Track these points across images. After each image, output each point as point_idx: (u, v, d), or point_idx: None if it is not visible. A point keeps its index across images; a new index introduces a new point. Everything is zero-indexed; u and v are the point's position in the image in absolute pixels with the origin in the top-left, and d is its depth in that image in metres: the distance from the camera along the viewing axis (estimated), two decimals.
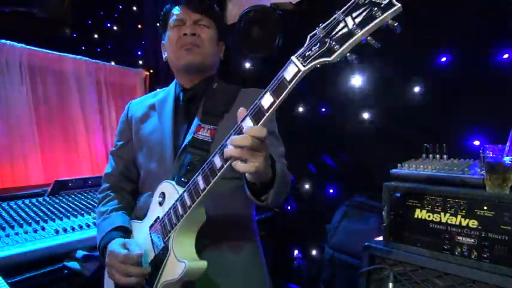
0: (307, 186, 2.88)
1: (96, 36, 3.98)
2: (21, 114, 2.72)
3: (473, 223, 1.28)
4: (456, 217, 1.32)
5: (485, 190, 1.30)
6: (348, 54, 0.78)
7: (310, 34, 0.83)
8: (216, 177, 0.99)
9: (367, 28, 0.74)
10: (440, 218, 1.36)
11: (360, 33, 0.75)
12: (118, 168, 1.47)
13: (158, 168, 1.33)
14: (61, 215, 1.99)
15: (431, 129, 2.11)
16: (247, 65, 3.19)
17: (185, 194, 1.09)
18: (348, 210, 2.31)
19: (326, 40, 0.79)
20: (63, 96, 3.03)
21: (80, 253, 1.71)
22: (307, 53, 0.83)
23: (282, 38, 2.69)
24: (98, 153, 3.25)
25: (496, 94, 1.90)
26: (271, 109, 0.88)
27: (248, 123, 0.92)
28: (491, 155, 1.31)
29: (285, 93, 0.85)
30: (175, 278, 1.10)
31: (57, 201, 2.27)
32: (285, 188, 1.12)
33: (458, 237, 1.31)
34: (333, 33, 0.79)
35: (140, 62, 3.87)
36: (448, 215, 1.34)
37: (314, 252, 2.85)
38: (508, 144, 1.34)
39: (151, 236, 1.24)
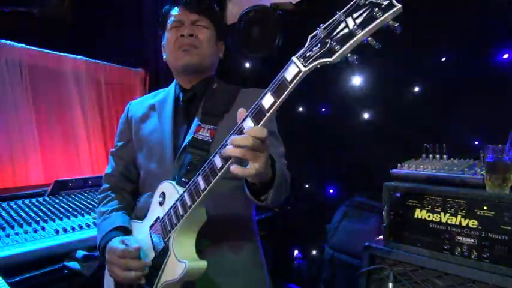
0: (307, 186, 2.89)
1: (96, 36, 3.97)
2: (21, 114, 2.71)
3: (473, 223, 1.28)
4: (456, 217, 1.32)
5: (485, 190, 1.30)
6: (349, 54, 0.78)
7: (311, 35, 0.83)
8: (217, 177, 0.99)
9: (367, 29, 0.74)
10: (440, 218, 1.36)
11: (360, 34, 0.75)
12: (118, 169, 1.47)
13: (158, 168, 1.33)
14: (61, 215, 1.99)
15: (431, 129, 2.11)
16: (247, 65, 3.19)
17: (185, 194, 1.09)
18: (348, 210, 2.31)
19: (327, 41, 0.80)
20: (63, 96, 3.03)
21: (80, 253, 1.71)
22: (307, 54, 0.83)
23: (282, 38, 2.69)
24: (98, 153, 3.24)
25: (496, 94, 1.91)
26: (272, 109, 0.88)
27: (249, 123, 0.92)
28: (491, 155, 1.31)
29: (285, 93, 0.85)
30: (175, 278, 1.10)
31: (57, 201, 2.27)
32: (285, 188, 1.12)
33: (458, 237, 1.31)
34: (334, 33, 0.79)
35: (140, 62, 3.86)
36: (448, 215, 1.34)
37: (314, 252, 2.85)
38: (508, 144, 1.34)
39: (151, 236, 1.24)
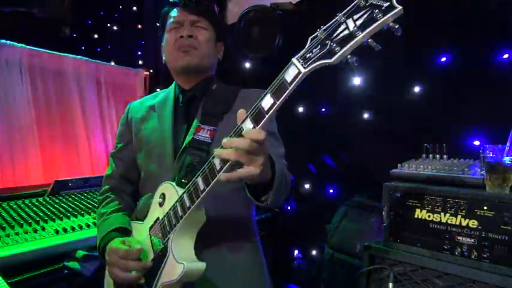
0: (307, 186, 2.89)
1: (96, 36, 3.98)
2: (21, 114, 2.71)
3: (473, 223, 1.28)
4: (456, 217, 1.32)
5: (485, 190, 1.30)
6: (349, 56, 0.78)
7: (311, 36, 0.83)
8: (216, 178, 0.99)
9: (367, 30, 0.74)
10: (440, 218, 1.36)
11: (360, 36, 0.75)
12: (118, 170, 1.47)
13: (158, 169, 1.33)
14: (61, 215, 1.99)
15: (431, 129, 2.11)
16: (247, 65, 3.19)
17: (185, 195, 1.09)
18: (348, 210, 2.31)
19: (327, 42, 0.79)
20: (63, 96, 3.03)
21: (80, 253, 1.71)
22: (307, 55, 0.83)
23: (282, 38, 2.69)
24: (98, 153, 3.25)
25: (496, 94, 1.91)
26: (272, 111, 0.88)
27: (248, 124, 0.91)
28: (491, 155, 1.31)
29: (285, 94, 0.85)
30: (174, 279, 1.10)
31: (57, 201, 2.27)
32: (285, 188, 1.12)
33: (458, 237, 1.31)
34: (334, 35, 0.79)
35: (140, 62, 3.87)
36: (448, 215, 1.34)
37: (314, 252, 2.85)
38: (508, 144, 1.34)
39: (151, 237, 1.24)
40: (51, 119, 2.96)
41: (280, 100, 0.86)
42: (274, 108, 0.87)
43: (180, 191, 1.14)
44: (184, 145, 1.29)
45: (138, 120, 1.45)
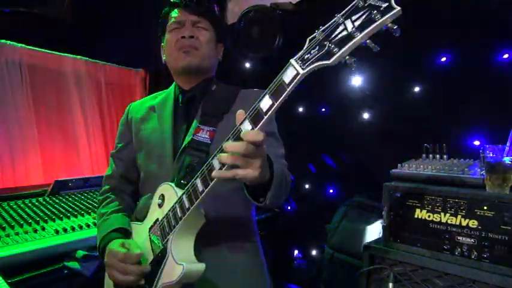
0: (307, 186, 2.89)
1: (96, 36, 3.97)
2: (21, 114, 2.72)
3: (473, 223, 1.28)
4: (456, 217, 1.32)
5: (485, 190, 1.30)
6: (347, 57, 0.78)
7: (310, 37, 0.83)
8: (215, 179, 0.99)
9: (366, 31, 0.74)
10: (440, 218, 1.36)
11: (359, 37, 0.75)
12: (118, 171, 1.47)
13: (158, 169, 1.33)
14: (61, 215, 1.99)
15: (431, 129, 2.11)
16: (247, 65, 3.19)
17: (184, 197, 1.09)
18: (348, 210, 2.31)
19: (325, 43, 0.79)
20: (63, 96, 3.03)
21: (80, 253, 1.71)
22: (306, 56, 0.82)
23: (281, 38, 2.68)
24: (98, 153, 3.25)
25: (496, 94, 1.91)
26: (270, 112, 0.88)
27: (247, 126, 0.91)
28: (491, 155, 1.31)
29: (283, 96, 0.85)
30: (173, 280, 1.10)
31: (57, 201, 2.27)
32: (284, 188, 1.12)
33: (458, 237, 1.31)
34: (332, 36, 0.78)
35: (140, 62, 3.86)
36: (448, 215, 1.34)
37: (314, 252, 2.86)
38: (508, 144, 1.34)
39: (150, 238, 1.24)
40: (51, 119, 2.96)
41: (278, 101, 0.86)
42: (272, 109, 0.87)
43: (179, 192, 1.14)
44: (183, 146, 1.28)
45: (138, 121, 1.45)
